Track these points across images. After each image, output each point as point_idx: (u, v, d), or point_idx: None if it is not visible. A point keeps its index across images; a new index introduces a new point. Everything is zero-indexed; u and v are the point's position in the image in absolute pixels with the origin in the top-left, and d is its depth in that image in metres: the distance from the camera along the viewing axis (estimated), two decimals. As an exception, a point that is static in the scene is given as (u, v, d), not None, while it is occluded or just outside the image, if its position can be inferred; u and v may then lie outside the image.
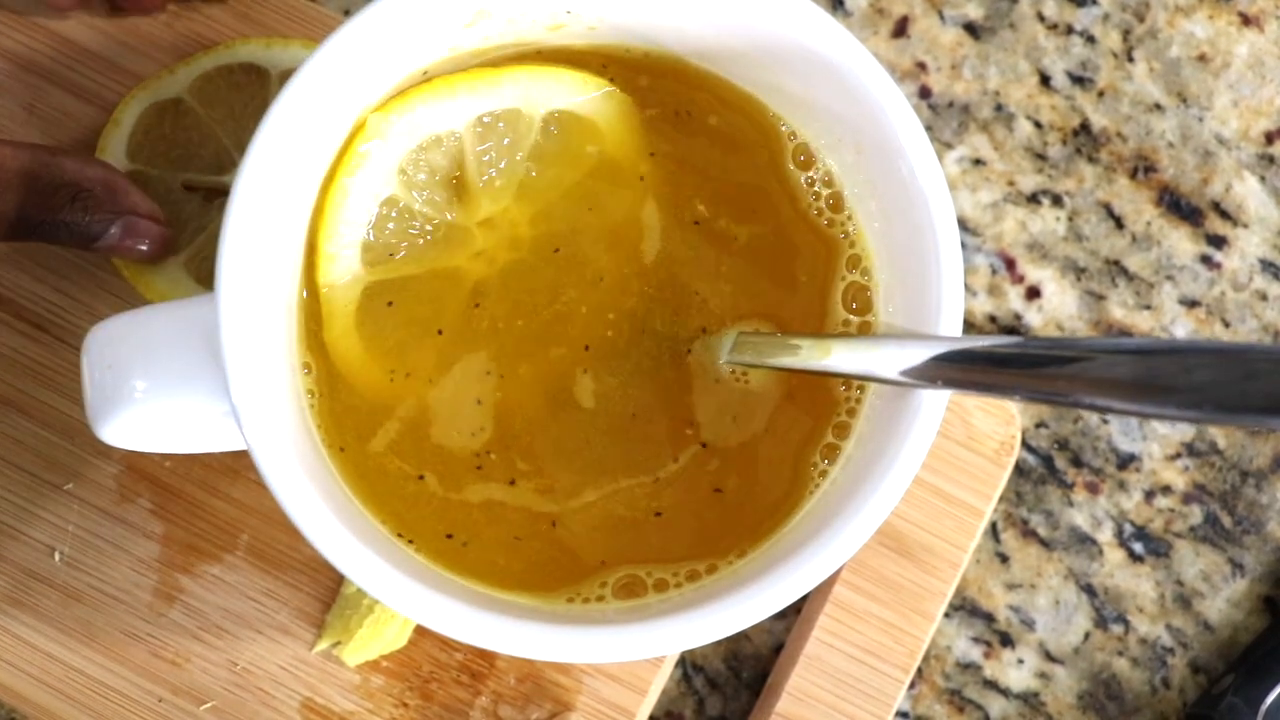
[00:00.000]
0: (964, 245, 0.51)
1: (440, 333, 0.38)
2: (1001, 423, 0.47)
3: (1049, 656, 0.50)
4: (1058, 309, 0.51)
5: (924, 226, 0.35)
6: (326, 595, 0.45)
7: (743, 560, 0.37)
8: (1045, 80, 0.52)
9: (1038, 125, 0.52)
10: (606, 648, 0.34)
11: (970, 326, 0.51)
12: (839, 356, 0.35)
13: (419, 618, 0.33)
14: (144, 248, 0.42)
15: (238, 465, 0.46)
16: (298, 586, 0.45)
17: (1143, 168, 0.52)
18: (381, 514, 0.37)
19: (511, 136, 0.38)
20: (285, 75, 0.45)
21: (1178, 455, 0.51)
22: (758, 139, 0.39)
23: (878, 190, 0.37)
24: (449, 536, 0.37)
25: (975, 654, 0.50)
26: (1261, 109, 0.52)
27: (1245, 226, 0.52)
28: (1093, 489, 0.50)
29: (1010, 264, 0.51)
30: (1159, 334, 0.51)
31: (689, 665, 0.49)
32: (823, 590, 0.47)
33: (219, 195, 0.46)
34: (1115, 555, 0.50)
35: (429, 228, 0.38)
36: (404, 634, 0.45)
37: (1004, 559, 0.50)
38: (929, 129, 0.51)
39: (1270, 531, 0.51)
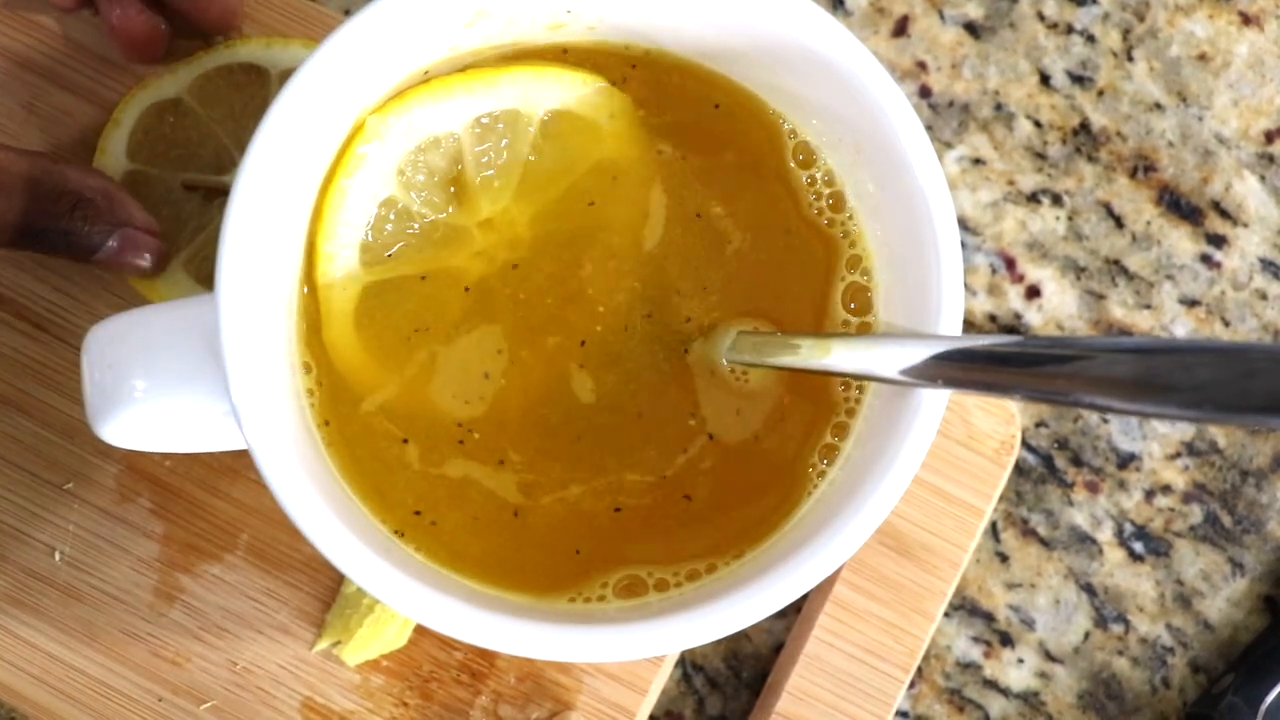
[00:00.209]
0: (964, 244, 0.51)
1: (440, 333, 0.38)
2: (1001, 422, 0.47)
3: (1049, 656, 0.50)
4: (1058, 308, 0.51)
5: (924, 225, 0.35)
6: (326, 595, 0.45)
7: (742, 560, 0.37)
8: (1045, 80, 0.52)
9: (1038, 125, 0.52)
10: (607, 647, 0.34)
11: (970, 326, 0.51)
12: (839, 355, 0.35)
13: (419, 617, 0.33)
14: (141, 262, 0.42)
15: (238, 465, 0.46)
16: (298, 586, 0.45)
17: (1143, 167, 0.52)
18: (359, 485, 0.37)
19: (510, 137, 0.38)
20: (285, 75, 0.45)
21: (1178, 454, 0.51)
22: (758, 138, 0.39)
23: (878, 190, 0.37)
24: (417, 513, 0.37)
25: (975, 653, 0.50)
26: (1261, 108, 0.52)
27: (1245, 226, 0.52)
28: (1093, 488, 0.50)
29: (1010, 263, 0.51)
30: (1159, 333, 0.51)
31: (689, 665, 0.49)
32: (823, 589, 0.47)
33: (219, 195, 0.45)
34: (1115, 555, 0.50)
35: (428, 228, 0.38)
36: (404, 633, 0.45)
37: (1004, 558, 0.50)
38: (929, 128, 0.51)
39: (1270, 531, 0.51)
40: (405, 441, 0.37)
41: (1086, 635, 0.50)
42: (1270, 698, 0.47)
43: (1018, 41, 0.52)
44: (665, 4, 0.37)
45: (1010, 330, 0.51)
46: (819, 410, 0.38)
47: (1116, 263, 0.51)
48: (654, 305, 0.38)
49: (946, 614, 0.50)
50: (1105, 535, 0.50)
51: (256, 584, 0.45)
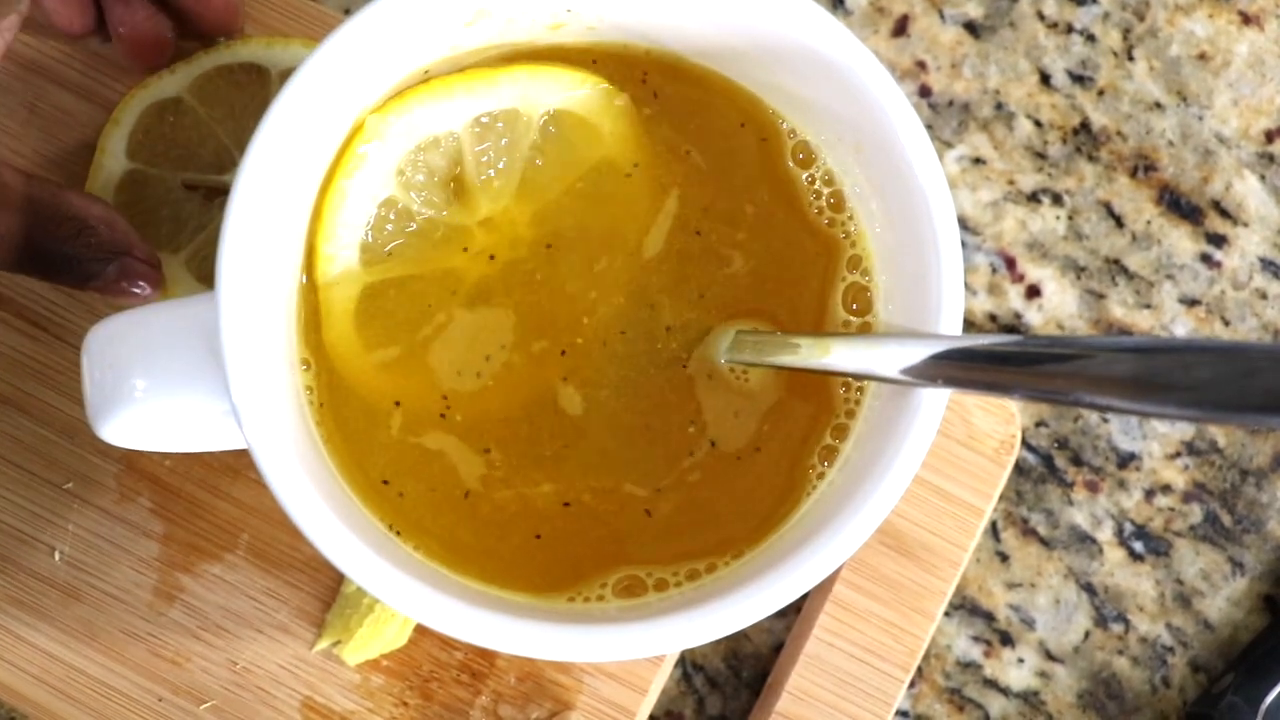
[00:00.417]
0: (964, 244, 0.51)
1: (439, 333, 0.38)
2: (1001, 421, 0.47)
3: (1049, 655, 0.50)
4: (1058, 308, 0.51)
5: (924, 225, 0.35)
6: (326, 594, 0.45)
7: (742, 560, 0.37)
8: (1045, 79, 0.52)
9: (1038, 124, 0.52)
10: (607, 646, 0.34)
11: (970, 325, 0.51)
12: (839, 355, 0.35)
13: (419, 616, 0.33)
14: (138, 290, 0.41)
15: (238, 465, 0.46)
16: (298, 586, 0.45)
17: (1143, 166, 0.52)
18: (359, 484, 0.37)
19: (510, 136, 0.38)
20: (286, 75, 0.45)
21: (1178, 454, 0.51)
22: (758, 137, 0.39)
23: (878, 189, 0.37)
24: (385, 482, 0.37)
25: (975, 653, 0.50)
26: (1261, 108, 0.52)
27: (1245, 225, 0.52)
28: (1093, 488, 0.50)
29: (1010, 263, 0.51)
30: (1159, 333, 0.51)
31: (689, 664, 0.49)
32: (823, 589, 0.47)
33: (219, 194, 0.45)
34: (1115, 554, 0.50)
35: (428, 228, 0.38)
36: (404, 633, 0.45)
37: (1004, 558, 0.50)
38: (929, 128, 0.51)
39: (1270, 530, 0.51)
40: (406, 441, 0.37)
41: (1086, 635, 0.50)
42: (1270, 697, 0.47)
43: (1018, 41, 0.52)
44: (665, 4, 0.37)
45: (1010, 330, 0.51)
46: (818, 412, 0.38)
47: (1116, 262, 0.51)
48: (654, 304, 0.38)
49: (946, 613, 0.50)
50: (1105, 535, 0.50)
51: (256, 584, 0.45)
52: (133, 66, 0.46)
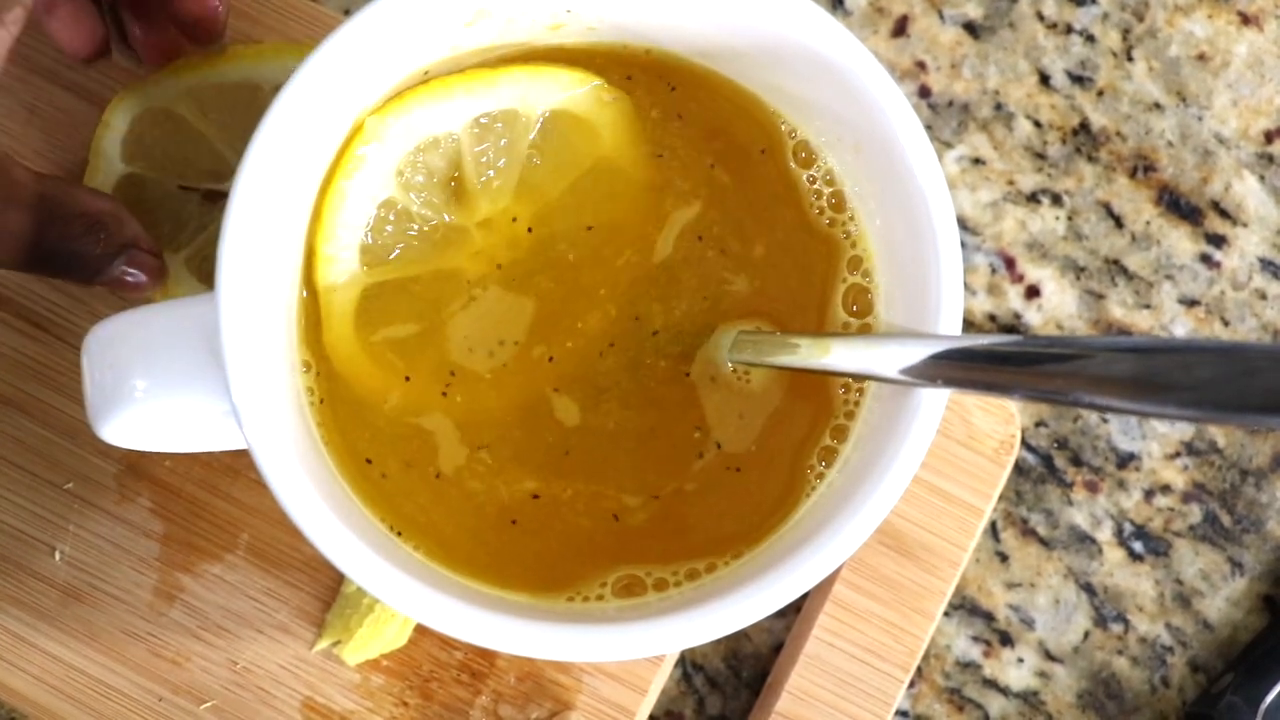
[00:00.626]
0: (963, 244, 0.51)
1: (440, 334, 0.38)
2: (1001, 422, 0.47)
3: (1049, 655, 0.50)
4: (1057, 308, 0.51)
5: (923, 225, 0.35)
6: (326, 594, 0.45)
7: (741, 560, 0.37)
8: (1045, 79, 0.52)
9: (1037, 124, 0.52)
10: (607, 646, 0.34)
11: (970, 325, 0.51)
12: (838, 355, 0.35)
13: (419, 616, 0.33)
14: (144, 282, 0.41)
15: (238, 465, 0.46)
16: (298, 586, 0.45)
17: (1142, 167, 0.52)
18: (359, 484, 0.37)
19: (509, 137, 0.38)
20: (278, 89, 0.45)
21: (1177, 454, 0.51)
22: (758, 137, 0.39)
23: (878, 189, 0.37)
24: (384, 476, 0.37)
25: (975, 653, 0.50)
26: (1261, 108, 0.52)
27: (1245, 225, 0.52)
28: (1092, 488, 0.50)
29: (1010, 263, 0.51)
30: (1158, 333, 0.51)
31: (689, 664, 0.49)
32: (822, 589, 0.47)
33: (220, 195, 0.45)
34: (1115, 554, 0.50)
35: (427, 229, 0.38)
36: (404, 633, 0.45)
37: (1004, 558, 0.50)
38: (929, 128, 0.51)
39: (1270, 530, 0.51)
40: (406, 441, 0.37)
41: (1086, 635, 0.50)
42: (1270, 697, 0.47)
43: (1017, 41, 0.52)
44: (665, 4, 0.37)
45: (1010, 330, 0.51)
46: (818, 413, 0.38)
47: (1116, 262, 0.52)
48: (654, 305, 0.38)
49: (946, 613, 0.50)
50: (1105, 535, 0.50)
51: (256, 584, 0.45)
52: (148, 65, 0.45)
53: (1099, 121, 0.52)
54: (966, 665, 0.50)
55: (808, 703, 0.46)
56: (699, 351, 0.38)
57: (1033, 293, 0.51)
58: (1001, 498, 0.50)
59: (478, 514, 0.37)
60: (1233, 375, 0.27)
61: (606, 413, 0.38)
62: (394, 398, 0.37)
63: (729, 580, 0.36)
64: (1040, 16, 0.52)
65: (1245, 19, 0.53)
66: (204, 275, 0.44)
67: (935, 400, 0.34)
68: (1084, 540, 0.50)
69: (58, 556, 0.45)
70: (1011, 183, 0.52)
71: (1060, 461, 0.51)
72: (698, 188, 0.39)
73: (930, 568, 0.47)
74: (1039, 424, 0.51)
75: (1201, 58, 0.52)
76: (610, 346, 0.38)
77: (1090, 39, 0.52)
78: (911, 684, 0.50)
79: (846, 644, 0.46)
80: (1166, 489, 0.51)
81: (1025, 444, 0.51)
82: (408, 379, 0.38)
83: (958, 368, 0.33)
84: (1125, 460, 0.51)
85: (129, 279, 0.41)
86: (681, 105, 0.39)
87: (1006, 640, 0.50)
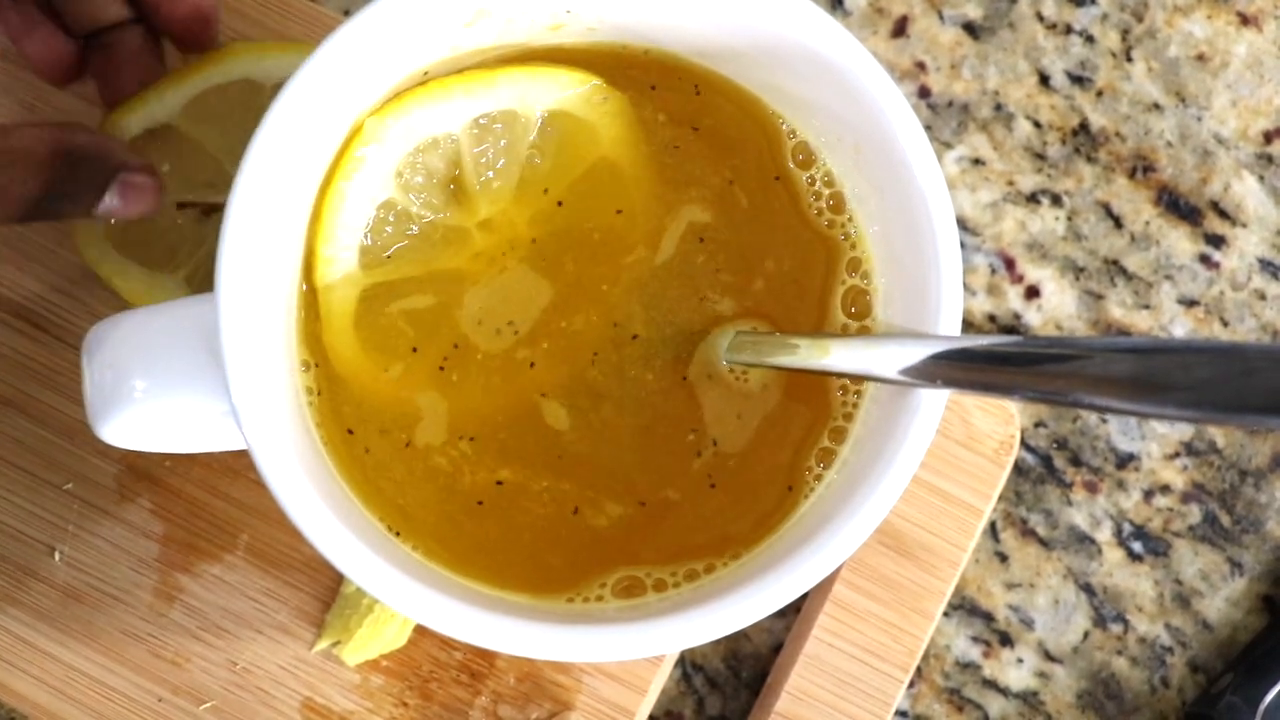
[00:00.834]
0: (963, 245, 0.51)
1: (440, 335, 0.38)
2: (1001, 422, 0.47)
3: (1048, 656, 0.50)
4: (1057, 308, 0.51)
5: (923, 226, 0.35)
6: (326, 595, 0.45)
7: (741, 560, 0.37)
8: (1044, 80, 0.52)
9: (1037, 125, 0.52)
10: (606, 647, 0.34)
11: (969, 326, 0.51)
12: (838, 355, 0.35)
13: (418, 617, 0.33)
14: (143, 205, 0.40)
15: (238, 465, 0.46)
16: (298, 586, 0.45)
17: (1141, 167, 0.52)
18: (358, 484, 0.37)
19: (509, 138, 0.38)
20: (279, 87, 0.44)
21: (1177, 454, 0.51)
22: (757, 138, 0.39)
23: (877, 190, 0.37)
24: (350, 432, 0.37)
25: (974, 653, 0.50)
26: (1260, 108, 0.52)
27: (1244, 226, 0.52)
28: (1092, 488, 0.50)
29: (1009, 263, 0.51)
30: (1158, 333, 0.51)
31: (688, 664, 0.49)
32: (822, 589, 0.47)
33: (214, 210, 0.44)
34: (1114, 554, 0.50)
35: (427, 230, 0.38)
36: (404, 633, 0.45)
37: (1003, 558, 0.50)
38: (928, 128, 0.51)
39: (1269, 531, 0.51)
40: (406, 443, 0.37)
41: (1085, 635, 0.50)
42: (1269, 697, 0.47)
43: (1017, 42, 0.52)
44: (665, 4, 0.37)
45: (1009, 330, 0.51)
46: (816, 414, 0.38)
47: (1115, 263, 0.52)
48: (654, 305, 0.38)
49: (946, 614, 0.50)
50: (1104, 535, 0.50)
51: (256, 584, 0.45)
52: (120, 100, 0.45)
53: (1098, 122, 0.52)
54: (966, 665, 0.50)
55: (807, 703, 0.46)
56: (697, 351, 0.38)
57: (1032, 293, 0.51)
58: (1001, 498, 0.50)
59: (477, 513, 0.37)
60: (1232, 375, 0.27)
61: (605, 413, 0.38)
62: (393, 397, 0.37)
63: (728, 581, 0.36)
64: (1040, 17, 0.52)
65: (1244, 19, 0.53)
66: (202, 293, 0.44)
67: (934, 401, 0.34)
68: (1083, 540, 0.50)
69: (57, 557, 0.45)
70: (1011, 183, 0.52)
71: (1060, 462, 0.51)
72: (697, 189, 0.39)
73: (930, 568, 0.47)
74: (1038, 424, 0.51)
75: (1201, 58, 0.52)
76: (612, 346, 0.38)
77: (1090, 39, 0.52)
78: (911, 684, 0.50)
79: (846, 644, 0.46)
80: (1166, 489, 0.51)
81: (1025, 444, 0.51)
82: (407, 379, 0.38)
83: (957, 368, 0.33)
84: (1125, 460, 0.51)
85: (129, 206, 0.40)
86: (680, 105, 0.39)
87: (1006, 640, 0.50)
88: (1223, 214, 0.52)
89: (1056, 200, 0.52)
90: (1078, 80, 0.52)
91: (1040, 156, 0.52)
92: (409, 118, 0.37)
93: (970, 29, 0.52)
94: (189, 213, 0.45)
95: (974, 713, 0.50)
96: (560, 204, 0.38)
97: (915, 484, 0.46)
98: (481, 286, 0.38)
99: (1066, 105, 0.52)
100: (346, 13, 0.51)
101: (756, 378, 0.38)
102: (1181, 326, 0.51)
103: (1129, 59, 0.52)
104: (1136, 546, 0.50)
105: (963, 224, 0.51)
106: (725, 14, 0.36)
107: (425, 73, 0.38)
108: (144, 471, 0.46)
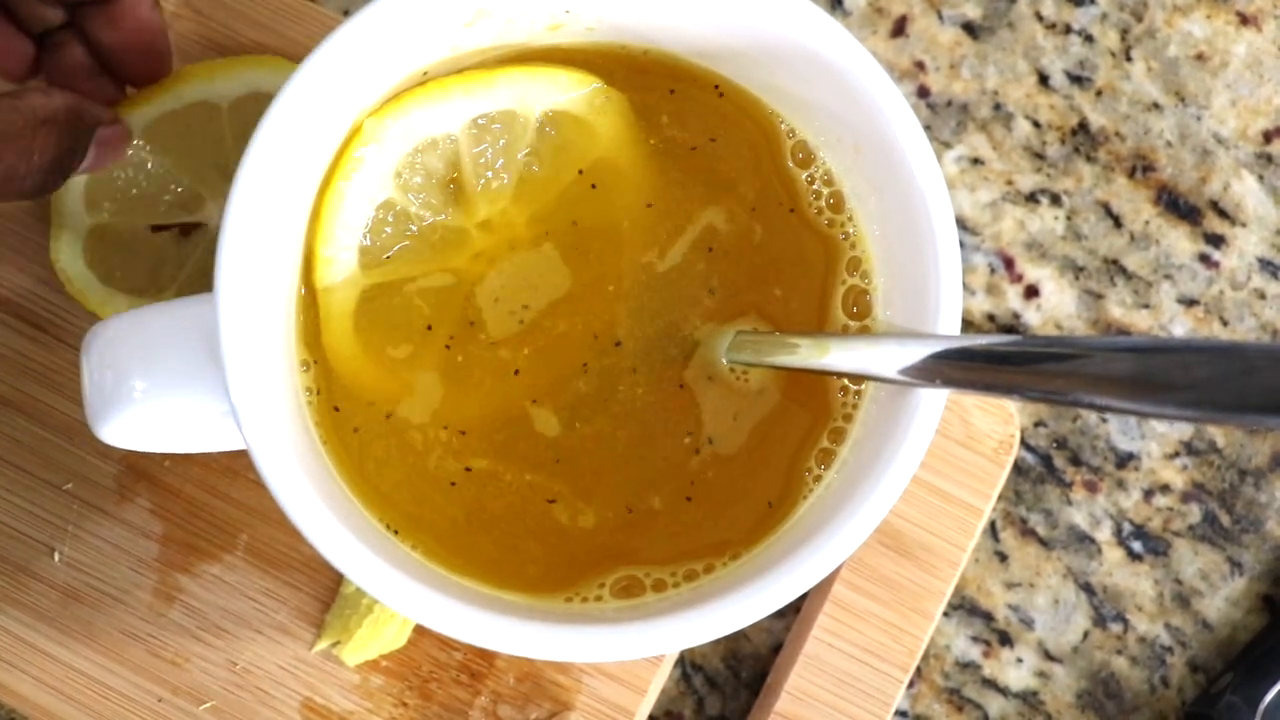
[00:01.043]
0: (962, 244, 0.51)
1: (439, 335, 0.38)
2: (1000, 422, 0.47)
3: (1048, 655, 0.50)
4: (1056, 308, 0.51)
5: (922, 225, 0.35)
6: (326, 595, 0.45)
7: (740, 560, 0.37)
8: (1044, 80, 0.52)
9: (1036, 125, 0.52)
10: (606, 647, 0.34)
11: (969, 325, 0.51)
12: (837, 355, 0.35)
13: (418, 617, 0.33)
14: (119, 154, 0.40)
15: (237, 465, 0.46)
16: (297, 586, 0.45)
17: (1141, 167, 0.52)
18: (357, 484, 0.37)
19: (508, 138, 0.38)
20: (236, 106, 0.44)
21: (1176, 454, 0.51)
22: (756, 137, 0.39)
23: (876, 190, 0.37)
24: (354, 430, 0.37)
25: (974, 653, 0.50)
26: (1259, 108, 0.52)
27: (1243, 225, 0.52)
28: (1091, 488, 0.50)
29: (1009, 263, 0.51)
30: (1157, 333, 0.51)
31: (688, 665, 0.49)
32: (822, 589, 0.47)
33: (192, 229, 0.44)
34: (1114, 554, 0.50)
35: (426, 231, 0.38)
36: (403, 634, 0.45)
37: (1003, 558, 0.50)
38: (927, 128, 0.51)
39: (1269, 530, 0.51)
40: (406, 442, 0.37)
41: (1085, 635, 0.50)
42: (1269, 697, 0.47)
43: (1016, 41, 0.52)
44: (664, 4, 0.37)
45: (1009, 330, 0.51)
46: (816, 415, 0.38)
47: (1115, 262, 0.52)
48: (654, 305, 0.38)
49: (945, 614, 0.50)
50: (1104, 535, 0.50)
51: (256, 584, 0.45)
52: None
53: (1098, 121, 0.52)
54: (966, 665, 0.50)
55: (807, 703, 0.46)
56: (697, 351, 0.38)
57: (1032, 293, 0.51)
58: (1001, 498, 0.50)
59: (478, 513, 0.37)
60: (1231, 375, 0.27)
61: (604, 412, 0.38)
62: (394, 397, 0.37)
63: (727, 581, 0.36)
64: (1039, 17, 0.52)
65: (1244, 19, 0.53)
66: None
67: (934, 401, 0.34)
68: (1083, 540, 0.50)
69: (57, 557, 0.45)
70: (1010, 183, 0.52)
71: (1059, 461, 0.51)
72: (697, 188, 0.39)
73: (929, 568, 0.47)
74: (1038, 424, 0.51)
75: (1200, 58, 0.52)
76: (613, 345, 0.38)
77: (1089, 39, 0.52)
78: (911, 684, 0.50)
79: (846, 644, 0.46)
80: (1166, 489, 0.51)
81: (1024, 444, 0.51)
82: (407, 378, 0.38)
83: (957, 368, 0.33)
84: (1124, 460, 0.51)
85: (106, 160, 0.40)
86: (680, 106, 0.39)
87: (1006, 640, 0.50)
88: (1222, 213, 0.52)
89: (1056, 200, 0.52)
90: (1077, 80, 0.52)
91: (1039, 156, 0.52)
92: (408, 118, 0.37)
93: (969, 29, 0.52)
94: (167, 235, 0.44)
95: (974, 713, 0.50)
96: (559, 204, 0.38)
97: (915, 484, 0.46)
98: (481, 286, 0.38)
99: (1066, 105, 0.52)
100: (346, 13, 0.51)
101: (756, 378, 0.38)
102: (1181, 326, 0.51)
103: (1128, 59, 0.52)
104: (1136, 546, 0.50)
105: (962, 223, 0.51)
106: (725, 14, 0.36)
107: (425, 73, 0.38)
108: (143, 471, 0.46)
